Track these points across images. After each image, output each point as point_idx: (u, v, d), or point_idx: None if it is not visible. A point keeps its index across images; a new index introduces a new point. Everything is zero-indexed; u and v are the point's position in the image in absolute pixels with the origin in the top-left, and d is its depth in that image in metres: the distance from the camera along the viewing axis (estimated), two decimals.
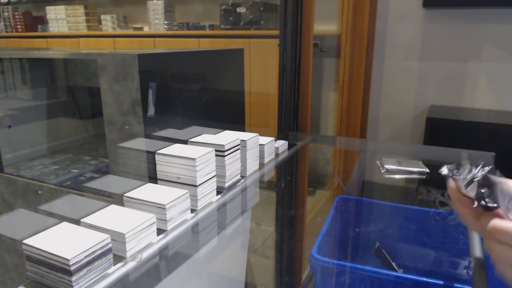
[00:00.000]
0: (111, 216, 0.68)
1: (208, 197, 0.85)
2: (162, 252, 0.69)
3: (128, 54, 0.82)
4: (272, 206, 1.04)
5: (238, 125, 1.25)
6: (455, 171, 0.50)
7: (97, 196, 1.01)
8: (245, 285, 0.83)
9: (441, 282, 0.66)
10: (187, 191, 0.77)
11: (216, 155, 0.87)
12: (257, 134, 1.04)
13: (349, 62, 2.22)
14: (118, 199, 0.77)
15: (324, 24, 2.60)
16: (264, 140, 1.11)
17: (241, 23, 2.88)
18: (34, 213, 1.11)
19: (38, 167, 1.26)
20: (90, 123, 1.54)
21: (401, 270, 0.84)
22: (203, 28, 3.15)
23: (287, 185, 1.14)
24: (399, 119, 2.50)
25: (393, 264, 0.86)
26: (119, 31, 3.65)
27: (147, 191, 0.76)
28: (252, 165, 1.03)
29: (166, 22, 3.31)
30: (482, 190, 0.47)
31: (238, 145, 0.95)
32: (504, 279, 0.46)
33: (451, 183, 0.51)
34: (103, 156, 1.36)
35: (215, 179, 0.87)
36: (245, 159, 0.99)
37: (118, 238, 0.64)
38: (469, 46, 2.22)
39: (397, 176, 1.13)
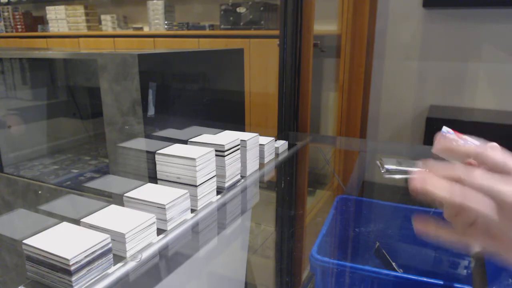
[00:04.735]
0: (111, 216, 0.68)
1: (208, 197, 0.85)
2: (162, 252, 0.69)
3: (128, 54, 0.82)
4: (272, 206, 1.04)
5: (238, 125, 1.25)
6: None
7: (97, 196, 1.01)
8: (245, 285, 0.83)
9: (441, 282, 0.66)
10: (187, 191, 0.77)
11: (216, 155, 0.87)
12: (257, 134, 1.04)
13: (349, 62, 2.22)
14: (118, 199, 0.77)
15: (324, 24, 2.60)
16: (264, 140, 1.11)
17: (241, 23, 2.88)
18: (34, 213, 1.11)
19: (38, 167, 1.26)
20: (90, 123, 1.53)
21: (401, 270, 0.84)
22: (203, 28, 3.15)
23: (287, 185, 1.14)
24: (399, 119, 2.50)
25: (393, 264, 0.86)
26: (119, 31, 3.65)
27: (147, 191, 0.76)
28: (252, 165, 1.03)
29: (166, 22, 3.30)
30: None
31: (238, 145, 0.94)
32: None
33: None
34: (103, 156, 1.36)
35: (215, 179, 0.87)
36: (245, 159, 0.99)
37: (118, 238, 0.64)
38: (469, 46, 2.22)
39: (397, 176, 1.13)
